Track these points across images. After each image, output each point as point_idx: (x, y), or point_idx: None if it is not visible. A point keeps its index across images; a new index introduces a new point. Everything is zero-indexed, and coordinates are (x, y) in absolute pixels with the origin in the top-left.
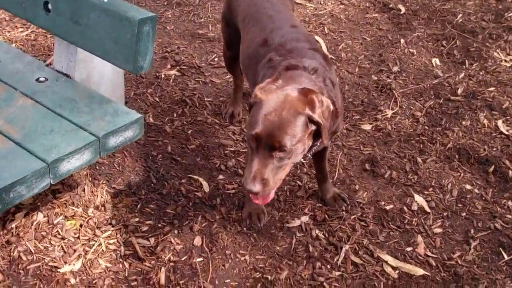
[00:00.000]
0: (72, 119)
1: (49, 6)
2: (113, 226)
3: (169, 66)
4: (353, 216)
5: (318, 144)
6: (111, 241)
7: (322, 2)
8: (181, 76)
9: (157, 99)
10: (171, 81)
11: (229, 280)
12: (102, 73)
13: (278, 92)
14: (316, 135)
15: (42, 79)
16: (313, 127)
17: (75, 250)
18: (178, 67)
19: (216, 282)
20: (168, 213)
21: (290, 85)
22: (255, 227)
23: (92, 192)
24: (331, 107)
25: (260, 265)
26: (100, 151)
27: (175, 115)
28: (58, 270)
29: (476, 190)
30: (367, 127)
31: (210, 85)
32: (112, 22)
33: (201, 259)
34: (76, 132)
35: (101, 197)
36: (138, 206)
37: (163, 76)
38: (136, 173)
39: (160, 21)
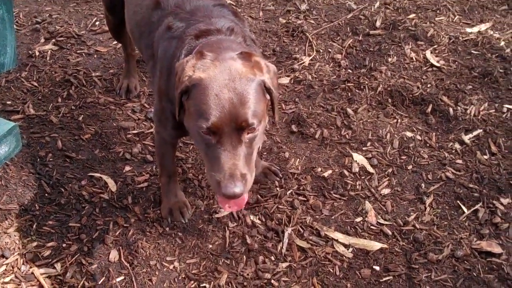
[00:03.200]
0: None
1: None
2: (6, 259)
3: (42, 40)
4: (289, 191)
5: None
6: (8, 279)
7: None
8: (59, 51)
9: (35, 84)
10: (48, 58)
11: None
12: None
13: (218, 64)
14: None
15: None
16: (268, 97)
17: None
18: (54, 40)
19: None
20: (72, 228)
21: (224, 53)
22: (179, 225)
23: None
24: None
25: (193, 271)
26: None
27: (59, 100)
28: None
29: (418, 137)
30: (285, 80)
31: (95, 56)
32: None
33: (122, 277)
34: None
35: None
36: (34, 226)
37: (37, 53)
38: (24, 184)
39: None
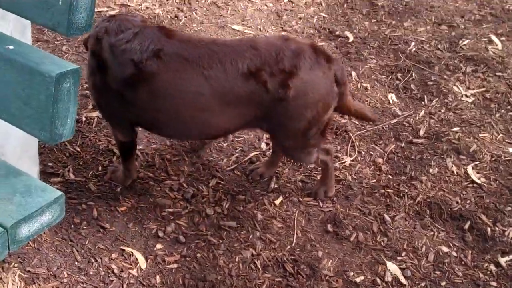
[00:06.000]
0: None
1: None
2: None
3: (90, 107)
4: None
5: None
6: None
7: (261, 29)
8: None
9: (78, 149)
10: (93, 125)
11: None
12: (6, 129)
13: None
14: None
15: None
16: None
17: None
18: None
19: None
20: None
21: None
22: None
23: (1, 279)
24: None
25: None
26: (8, 244)
27: (100, 168)
28: None
29: (454, 253)
30: None
31: (139, 129)
32: (20, 77)
33: None
34: None
35: (13, 284)
36: None
37: (83, 119)
38: (56, 250)
39: (78, 51)
